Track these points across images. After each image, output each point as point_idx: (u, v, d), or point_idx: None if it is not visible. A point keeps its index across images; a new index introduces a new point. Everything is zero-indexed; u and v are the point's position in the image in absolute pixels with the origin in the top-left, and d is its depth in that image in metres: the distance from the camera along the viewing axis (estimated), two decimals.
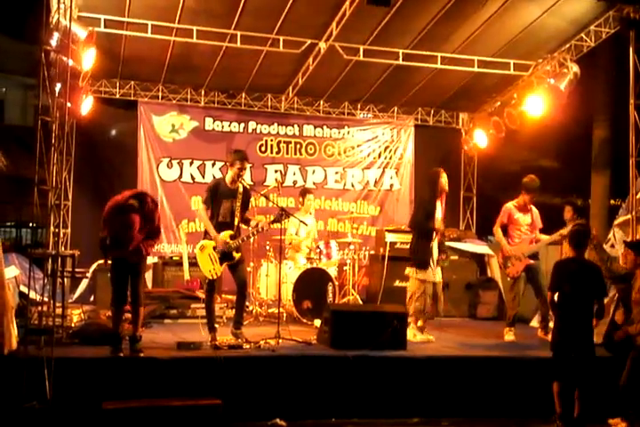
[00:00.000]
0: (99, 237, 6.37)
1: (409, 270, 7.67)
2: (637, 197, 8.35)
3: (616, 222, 8.86)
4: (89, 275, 9.16)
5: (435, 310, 7.69)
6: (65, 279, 7.36)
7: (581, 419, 5.75)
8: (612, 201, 12.68)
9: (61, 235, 9.53)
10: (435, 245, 7.62)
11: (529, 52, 9.75)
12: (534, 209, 8.10)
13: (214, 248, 6.89)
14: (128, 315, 6.58)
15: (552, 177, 15.64)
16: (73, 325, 7.17)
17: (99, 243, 6.36)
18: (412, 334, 7.42)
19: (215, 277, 6.93)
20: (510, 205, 8.07)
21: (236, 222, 7.01)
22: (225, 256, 6.90)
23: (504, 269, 8.06)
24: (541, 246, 8.09)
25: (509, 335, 7.80)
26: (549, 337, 7.65)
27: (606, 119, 12.78)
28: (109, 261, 6.40)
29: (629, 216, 8.33)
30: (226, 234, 6.90)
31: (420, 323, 7.53)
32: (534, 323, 8.92)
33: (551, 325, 6.80)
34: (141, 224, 6.23)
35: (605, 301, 7.46)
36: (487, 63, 9.91)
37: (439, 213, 7.64)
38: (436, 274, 7.60)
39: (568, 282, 5.84)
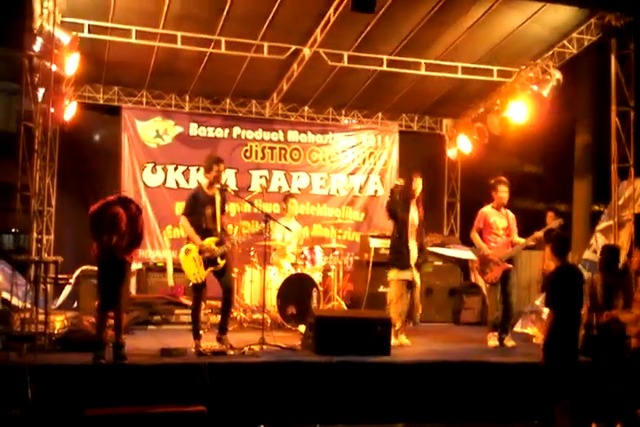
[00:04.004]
0: (91, 246, 6.32)
1: (391, 273, 7.73)
2: (619, 202, 8.43)
3: (598, 228, 8.94)
4: (72, 281, 9.08)
5: (412, 316, 7.78)
6: (48, 286, 7.32)
7: None
8: (595, 207, 12.77)
9: (44, 241, 9.46)
10: (413, 246, 7.68)
11: (512, 58, 9.81)
12: (510, 213, 8.07)
13: (200, 252, 6.89)
14: (111, 321, 6.54)
15: (535, 183, 15.77)
16: (56, 331, 7.10)
17: (92, 250, 6.31)
18: None
19: (199, 281, 6.91)
20: (485, 209, 8.06)
21: (218, 228, 7.04)
22: (210, 262, 6.90)
23: (482, 274, 8.00)
24: (518, 250, 7.97)
25: (493, 341, 7.81)
26: (508, 343, 7.76)
27: (588, 125, 12.86)
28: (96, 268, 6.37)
29: (611, 222, 8.41)
30: (211, 240, 6.91)
31: (397, 326, 7.53)
32: (517, 328, 8.97)
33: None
34: (127, 226, 6.19)
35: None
36: (471, 70, 9.97)
37: (414, 215, 7.72)
38: (414, 275, 7.67)
39: (569, 294, 5.64)
